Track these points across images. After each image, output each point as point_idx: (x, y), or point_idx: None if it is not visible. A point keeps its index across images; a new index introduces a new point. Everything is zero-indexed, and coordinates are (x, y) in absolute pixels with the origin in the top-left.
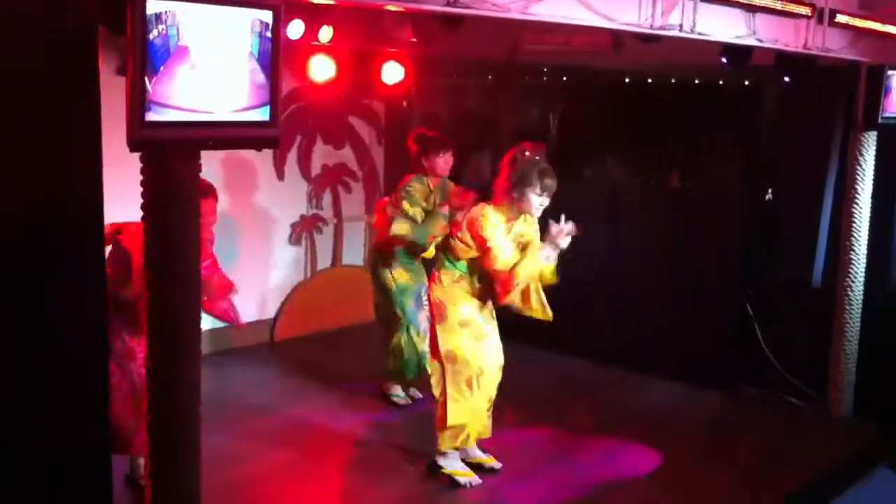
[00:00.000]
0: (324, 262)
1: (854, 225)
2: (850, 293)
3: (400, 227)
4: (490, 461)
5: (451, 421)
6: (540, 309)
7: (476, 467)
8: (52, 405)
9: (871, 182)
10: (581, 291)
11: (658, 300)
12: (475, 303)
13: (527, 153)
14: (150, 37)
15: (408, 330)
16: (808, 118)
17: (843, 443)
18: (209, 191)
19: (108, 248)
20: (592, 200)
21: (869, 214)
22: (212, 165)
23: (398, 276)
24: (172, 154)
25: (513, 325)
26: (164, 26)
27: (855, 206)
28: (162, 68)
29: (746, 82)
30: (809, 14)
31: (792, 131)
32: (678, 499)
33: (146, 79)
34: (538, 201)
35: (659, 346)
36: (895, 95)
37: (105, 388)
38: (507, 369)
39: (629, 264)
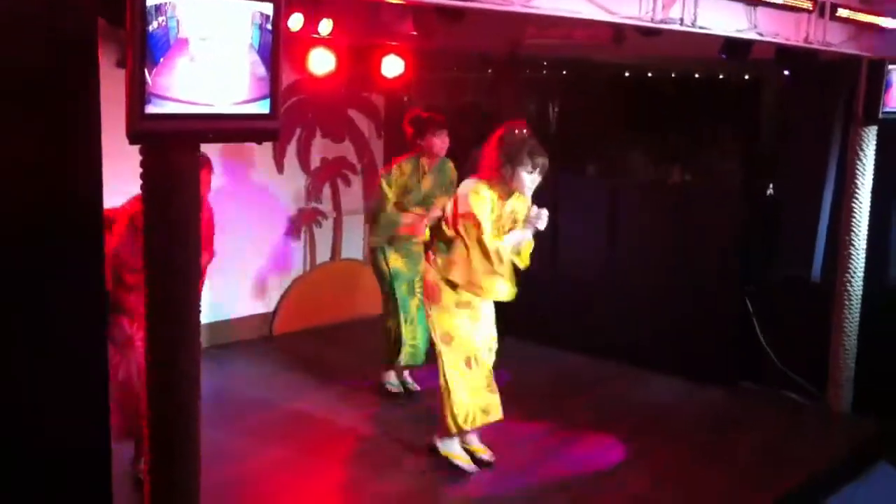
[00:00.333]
0: (323, 255)
1: (854, 220)
2: (849, 288)
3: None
4: (483, 452)
5: (454, 400)
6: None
7: (469, 455)
8: (51, 404)
9: (871, 177)
10: (581, 287)
11: (658, 296)
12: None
13: (515, 131)
14: (150, 29)
15: (398, 315)
16: (808, 112)
17: (842, 438)
18: (203, 162)
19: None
20: (592, 195)
21: (868, 209)
22: (211, 158)
23: (392, 260)
24: (172, 146)
25: (514, 321)
26: (163, 18)
27: (855, 201)
28: (162, 60)
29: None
30: (811, 8)
31: (792, 126)
32: (678, 494)
33: (146, 71)
34: (530, 179)
35: (659, 342)
36: None
37: (104, 387)
38: (508, 364)
39: (629, 259)
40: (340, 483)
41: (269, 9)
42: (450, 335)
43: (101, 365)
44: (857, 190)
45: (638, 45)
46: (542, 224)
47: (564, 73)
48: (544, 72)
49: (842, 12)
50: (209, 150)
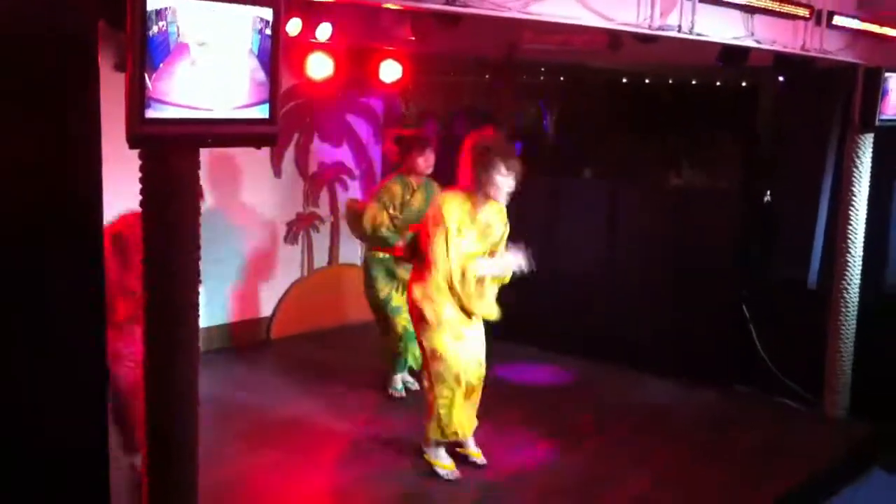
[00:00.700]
0: (320, 260)
1: (850, 226)
2: (845, 294)
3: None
4: (477, 456)
5: (442, 413)
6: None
7: (463, 458)
8: (50, 405)
9: (868, 184)
10: (580, 290)
11: (656, 299)
12: (454, 303)
13: (485, 138)
14: (150, 33)
15: (395, 332)
16: (805, 119)
17: (838, 444)
18: None
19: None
20: (590, 199)
21: (865, 215)
22: (209, 162)
23: (384, 285)
24: (172, 151)
25: (512, 324)
26: (164, 23)
27: (851, 207)
28: (162, 65)
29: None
30: (807, 15)
31: (789, 132)
32: (678, 496)
33: (146, 75)
34: (504, 182)
35: (656, 345)
36: (892, 97)
37: (104, 388)
38: (506, 367)
39: (627, 263)
40: (336, 486)
41: (268, 14)
42: (437, 352)
43: (99, 364)
44: (853, 196)
45: (635, 51)
46: (519, 266)
47: (561, 78)
48: (541, 77)
49: (838, 20)
50: (207, 152)
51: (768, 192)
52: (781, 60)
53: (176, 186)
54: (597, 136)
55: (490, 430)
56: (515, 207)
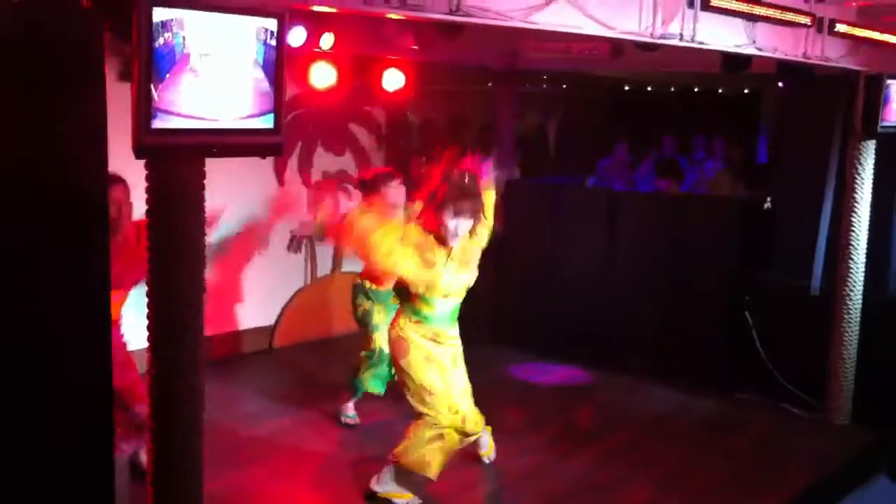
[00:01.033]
0: (323, 268)
1: (853, 233)
2: (848, 301)
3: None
4: (487, 454)
5: (427, 449)
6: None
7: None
8: (54, 402)
9: (870, 190)
10: (581, 296)
11: (657, 305)
12: (436, 343)
13: (447, 177)
14: (156, 45)
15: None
16: (807, 126)
17: (841, 450)
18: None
19: None
20: (591, 206)
21: (868, 222)
22: (212, 171)
23: (369, 308)
24: (177, 161)
25: (513, 332)
26: (169, 34)
27: (854, 213)
28: (167, 76)
29: (746, 90)
30: (809, 23)
31: (791, 139)
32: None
33: (152, 86)
34: (454, 225)
35: (658, 351)
36: (894, 104)
37: (108, 386)
38: (506, 375)
39: (628, 270)
40: (335, 495)
41: (272, 25)
42: (426, 389)
43: (103, 362)
44: (856, 203)
45: (637, 58)
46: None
47: (564, 86)
48: (544, 85)
49: (840, 27)
50: (211, 161)
51: (768, 199)
52: (784, 68)
53: (181, 196)
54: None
55: (492, 435)
56: (515, 213)
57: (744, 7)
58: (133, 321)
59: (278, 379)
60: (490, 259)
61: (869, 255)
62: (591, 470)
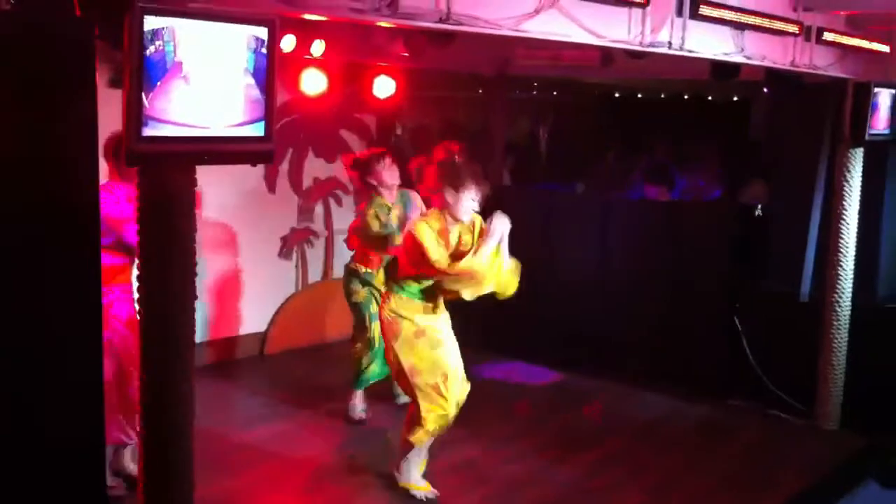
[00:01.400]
0: (314, 275)
1: (841, 240)
2: (837, 307)
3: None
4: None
5: (429, 426)
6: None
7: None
8: (46, 400)
9: (859, 197)
10: (572, 303)
11: (648, 312)
12: (429, 314)
13: (454, 157)
14: (147, 53)
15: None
16: (796, 133)
17: (830, 456)
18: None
19: None
20: (582, 213)
21: (856, 229)
22: (203, 178)
23: (364, 294)
24: (168, 168)
25: (504, 338)
26: (160, 42)
27: (842, 220)
28: (158, 84)
29: (735, 97)
30: (797, 31)
31: (780, 146)
32: None
33: (143, 94)
34: (472, 205)
35: (649, 358)
36: (882, 112)
37: (99, 384)
38: (498, 380)
39: (618, 276)
40: (326, 501)
41: (263, 33)
42: (416, 368)
43: (95, 360)
44: (844, 210)
45: (627, 65)
46: (504, 225)
47: (554, 93)
48: (534, 92)
49: (828, 36)
50: (202, 168)
51: (759, 206)
52: (772, 75)
53: (172, 203)
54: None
55: (485, 442)
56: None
57: (732, 16)
58: None
59: (270, 385)
60: None
61: (858, 261)
62: (582, 476)
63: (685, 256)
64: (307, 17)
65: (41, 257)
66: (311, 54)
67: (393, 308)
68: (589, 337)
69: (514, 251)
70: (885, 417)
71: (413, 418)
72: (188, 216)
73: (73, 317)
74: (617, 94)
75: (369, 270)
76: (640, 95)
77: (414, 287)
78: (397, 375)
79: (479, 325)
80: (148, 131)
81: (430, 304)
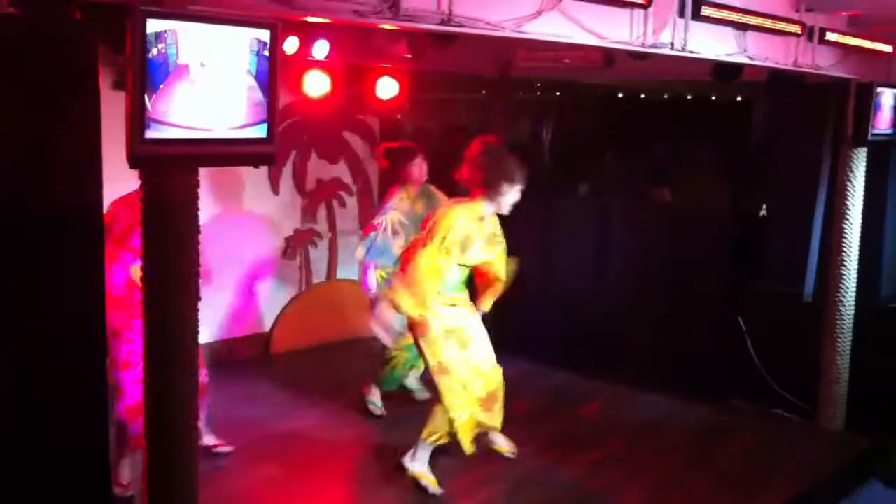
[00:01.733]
0: (318, 276)
1: (844, 240)
2: (840, 307)
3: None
4: (507, 451)
5: (454, 416)
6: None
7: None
8: (49, 405)
9: (862, 197)
10: (572, 304)
11: (651, 312)
12: (455, 307)
13: (495, 147)
14: (150, 55)
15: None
16: (799, 134)
17: (833, 456)
18: None
19: None
20: (584, 214)
21: (859, 229)
22: (207, 179)
23: None
24: (171, 170)
25: (504, 338)
26: (163, 45)
27: (846, 221)
28: (161, 86)
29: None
30: (799, 32)
31: (783, 147)
32: None
33: (146, 97)
34: (513, 195)
35: (651, 358)
36: (884, 112)
37: (103, 389)
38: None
39: (620, 277)
40: (332, 500)
41: (265, 36)
42: (444, 366)
43: (99, 365)
44: (847, 210)
45: (629, 66)
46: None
47: (557, 94)
48: (537, 93)
49: (830, 36)
50: (206, 169)
51: (764, 207)
52: (775, 76)
53: (175, 205)
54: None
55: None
56: (510, 221)
57: (734, 16)
58: None
59: (274, 385)
60: None
61: (861, 261)
62: (584, 476)
63: (687, 257)
64: (309, 19)
65: (45, 259)
66: (314, 56)
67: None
68: (590, 337)
69: (516, 251)
70: (889, 418)
71: (435, 415)
72: (191, 217)
73: (77, 318)
74: (620, 95)
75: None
76: (642, 96)
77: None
78: (426, 369)
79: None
80: (151, 133)
81: (457, 297)
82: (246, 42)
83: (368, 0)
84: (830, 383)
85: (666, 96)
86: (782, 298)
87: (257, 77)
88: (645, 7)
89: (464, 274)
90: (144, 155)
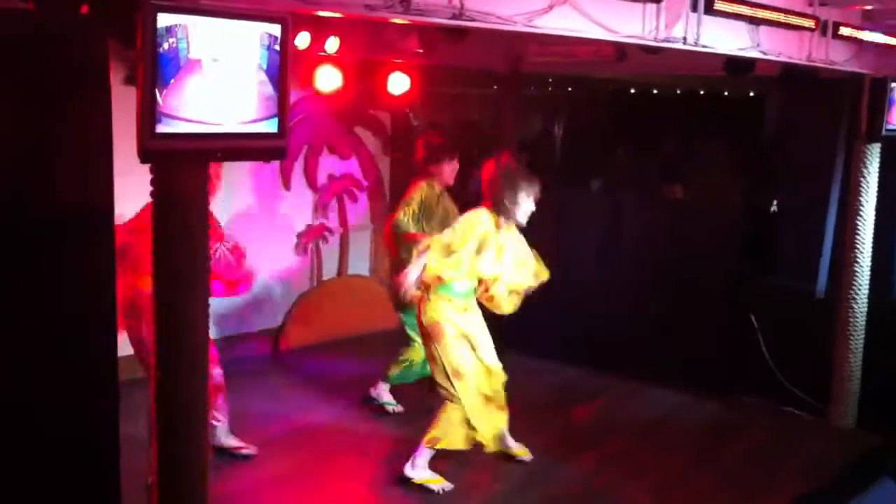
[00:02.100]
0: (329, 271)
1: (858, 236)
2: (853, 304)
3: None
4: (523, 453)
5: (476, 425)
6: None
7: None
8: (61, 404)
9: (875, 193)
10: (581, 300)
11: (660, 308)
12: (466, 312)
13: (512, 163)
14: (161, 50)
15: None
16: (812, 129)
17: (845, 453)
18: None
19: None
20: (595, 209)
21: (873, 225)
22: (220, 173)
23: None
24: (182, 165)
25: (513, 334)
26: (174, 39)
27: (859, 217)
28: (172, 81)
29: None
30: (813, 26)
31: (796, 142)
32: None
33: (157, 91)
34: (528, 207)
35: (661, 354)
36: None
37: (108, 390)
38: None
39: (631, 272)
40: (342, 497)
41: (276, 30)
42: (459, 371)
43: (110, 364)
44: (861, 206)
45: (641, 61)
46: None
47: (569, 89)
48: (549, 88)
49: (844, 31)
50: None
51: (775, 202)
52: (788, 71)
53: (186, 199)
54: (603, 146)
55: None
56: None
57: (747, 10)
58: None
59: (285, 381)
60: None
61: (874, 258)
62: (589, 474)
63: (698, 253)
64: (321, 14)
65: (55, 257)
66: (325, 51)
67: (434, 310)
68: (600, 333)
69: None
70: None
71: (441, 421)
72: (201, 212)
73: (88, 318)
74: (632, 91)
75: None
76: (654, 92)
77: (450, 288)
78: (433, 373)
79: (485, 322)
80: (161, 128)
81: (467, 304)
82: (257, 36)
83: None
84: (842, 380)
85: (678, 92)
86: (795, 295)
87: (268, 71)
88: (657, 1)
89: (473, 283)
90: (155, 149)
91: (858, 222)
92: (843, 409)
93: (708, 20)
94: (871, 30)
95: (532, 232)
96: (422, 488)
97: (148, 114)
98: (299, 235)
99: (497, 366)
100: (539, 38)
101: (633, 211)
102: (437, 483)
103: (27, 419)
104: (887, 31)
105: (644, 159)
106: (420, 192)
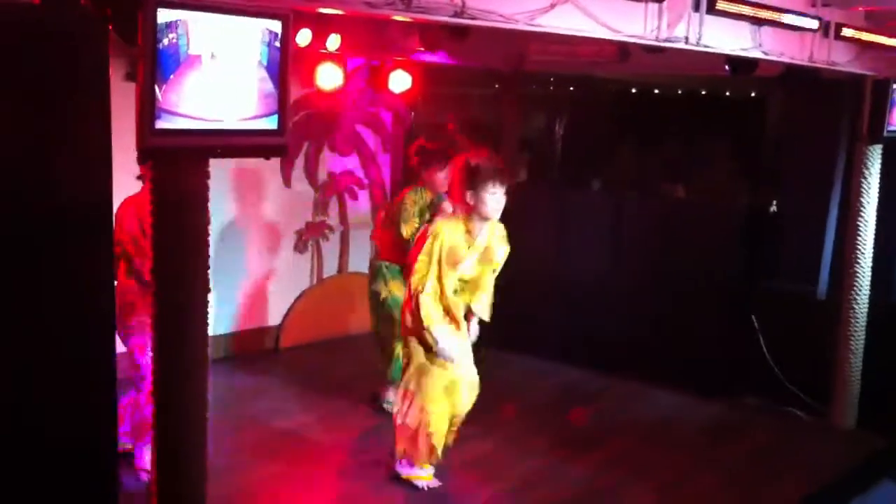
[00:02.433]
0: (330, 269)
1: (859, 237)
2: (854, 305)
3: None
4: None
5: (432, 431)
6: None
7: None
8: (60, 404)
9: (877, 195)
10: (585, 300)
11: (662, 309)
12: (450, 326)
13: (474, 159)
14: (161, 45)
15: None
16: (813, 130)
17: (846, 455)
18: None
19: None
20: (596, 209)
21: (874, 227)
22: (219, 172)
23: (394, 288)
24: (181, 161)
25: (515, 334)
26: (174, 35)
27: (860, 218)
28: (172, 77)
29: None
30: (815, 27)
31: (797, 143)
32: None
33: (156, 87)
34: (494, 199)
35: (662, 356)
36: None
37: (108, 389)
38: (508, 379)
39: (632, 273)
40: (340, 496)
41: (277, 26)
42: (426, 365)
43: (108, 363)
44: (862, 207)
45: (643, 61)
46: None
47: (571, 88)
48: (550, 87)
49: (846, 32)
50: (218, 162)
51: (774, 203)
52: (790, 71)
53: (185, 196)
54: (605, 145)
55: (496, 439)
56: (521, 216)
57: (749, 11)
58: None
59: (285, 379)
60: None
61: (875, 259)
62: (590, 475)
63: (700, 254)
64: (322, 11)
65: (55, 256)
66: (326, 49)
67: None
68: (601, 334)
69: (524, 246)
70: None
71: (408, 430)
72: (201, 209)
73: (88, 318)
74: (633, 91)
75: (393, 265)
76: (656, 91)
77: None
78: (404, 366)
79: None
80: (161, 124)
81: (453, 302)
82: (257, 33)
83: None
84: (843, 382)
85: (680, 92)
86: (796, 296)
87: (268, 68)
88: (659, 0)
89: (456, 283)
90: (154, 146)
91: (860, 223)
92: (843, 411)
93: (710, 20)
94: (874, 31)
95: (533, 232)
96: (421, 486)
97: (147, 110)
98: (300, 233)
99: (470, 378)
100: (541, 36)
101: (635, 211)
102: (423, 480)
103: (27, 419)
104: (889, 33)
105: (645, 159)
106: (413, 204)
